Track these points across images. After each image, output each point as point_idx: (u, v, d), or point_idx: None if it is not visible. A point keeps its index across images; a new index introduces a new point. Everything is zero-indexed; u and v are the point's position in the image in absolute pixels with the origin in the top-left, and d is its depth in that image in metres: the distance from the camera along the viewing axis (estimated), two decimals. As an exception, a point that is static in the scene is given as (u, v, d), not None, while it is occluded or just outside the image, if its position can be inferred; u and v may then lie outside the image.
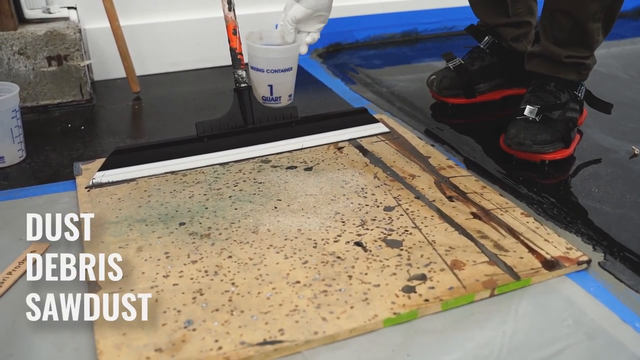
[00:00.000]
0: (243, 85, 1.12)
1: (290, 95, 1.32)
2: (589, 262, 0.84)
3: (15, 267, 0.84)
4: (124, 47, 1.44)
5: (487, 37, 1.37)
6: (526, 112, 1.11)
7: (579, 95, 1.16)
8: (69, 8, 1.45)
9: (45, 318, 0.72)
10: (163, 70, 1.66)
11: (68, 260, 0.85)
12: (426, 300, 0.76)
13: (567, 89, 1.14)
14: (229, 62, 1.14)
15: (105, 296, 0.76)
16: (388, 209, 0.96)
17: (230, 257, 0.84)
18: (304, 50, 1.23)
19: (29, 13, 1.38)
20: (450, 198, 0.99)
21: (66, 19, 1.41)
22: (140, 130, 1.35)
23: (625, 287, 0.80)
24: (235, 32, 1.11)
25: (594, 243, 0.89)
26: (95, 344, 0.69)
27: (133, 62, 1.48)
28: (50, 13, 1.39)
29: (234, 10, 1.11)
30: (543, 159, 1.09)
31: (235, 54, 1.11)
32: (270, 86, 1.27)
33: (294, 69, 1.29)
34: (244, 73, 1.12)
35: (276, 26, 1.30)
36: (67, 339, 0.71)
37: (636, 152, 1.15)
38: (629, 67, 1.65)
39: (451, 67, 1.36)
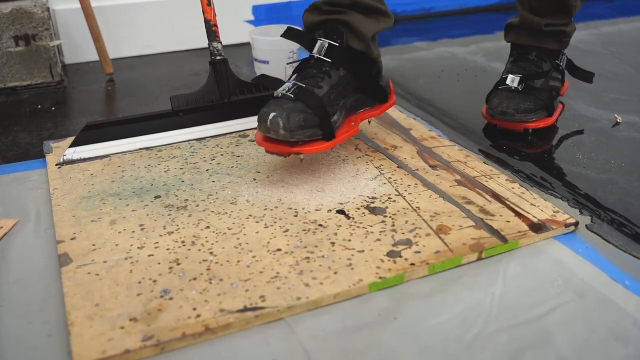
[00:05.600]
0: (218, 58, 1.08)
1: None
2: (576, 224, 0.82)
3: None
4: (96, 28, 1.40)
5: (320, 41, 0.94)
6: (508, 82, 1.09)
7: (561, 64, 1.15)
8: (36, -13, 1.41)
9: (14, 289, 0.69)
10: (137, 53, 1.62)
11: (38, 235, 0.82)
12: (412, 264, 0.74)
13: (549, 58, 1.13)
14: (205, 45, 1.11)
15: (77, 268, 0.73)
16: (370, 178, 0.94)
17: (207, 227, 0.81)
18: None
19: (-6, -9, 1.33)
20: (433, 167, 0.97)
21: (34, -3, 1.36)
22: (113, 111, 1.31)
23: (613, 248, 0.78)
24: (209, 3, 1.08)
25: (581, 207, 0.87)
26: (66, 315, 0.66)
27: (105, 44, 1.44)
28: (16, -9, 1.34)
29: (207, -20, 1.08)
30: (526, 128, 1.07)
31: (210, 25, 1.08)
32: None
33: None
34: (219, 45, 1.08)
35: None
36: (36, 312, 0.68)
37: (618, 120, 1.14)
38: (608, 43, 1.64)
39: (289, 94, 0.88)
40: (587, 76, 1.18)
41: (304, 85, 0.90)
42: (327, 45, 0.94)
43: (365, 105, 1.00)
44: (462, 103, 1.25)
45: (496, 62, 1.49)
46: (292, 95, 0.88)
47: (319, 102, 0.89)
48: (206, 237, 0.79)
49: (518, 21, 1.16)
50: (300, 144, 0.87)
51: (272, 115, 0.85)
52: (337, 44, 0.94)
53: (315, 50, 0.95)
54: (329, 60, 0.94)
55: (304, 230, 0.80)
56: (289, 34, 0.98)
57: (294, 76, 0.95)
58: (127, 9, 1.58)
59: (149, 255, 0.75)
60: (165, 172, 0.96)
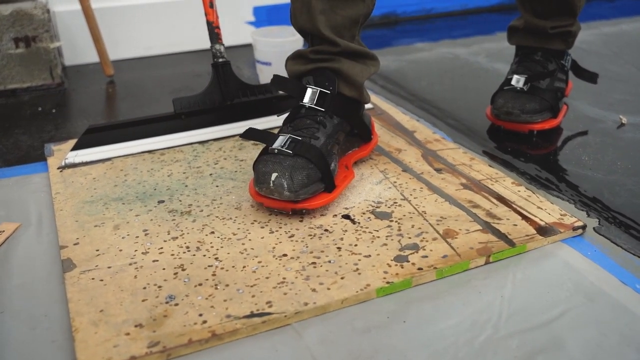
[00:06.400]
0: (221, 60, 1.07)
1: None
2: (584, 227, 0.81)
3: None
4: (96, 29, 1.39)
5: (311, 89, 0.89)
6: (513, 82, 1.08)
7: (566, 64, 1.14)
8: (36, -11, 1.40)
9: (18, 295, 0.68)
10: (137, 55, 1.61)
11: (40, 240, 0.81)
12: (420, 269, 0.73)
13: (554, 58, 1.12)
14: (206, 46, 1.10)
15: (81, 274, 0.72)
16: (375, 182, 0.93)
17: (212, 232, 0.80)
18: None
19: (-7, -7, 1.32)
20: (438, 170, 0.96)
21: (34, -1, 1.36)
22: (114, 112, 1.30)
23: (622, 251, 0.77)
24: (211, 5, 1.07)
25: (588, 209, 0.86)
26: (70, 321, 0.65)
27: (106, 46, 1.43)
28: (16, -7, 1.33)
29: (209, -18, 1.07)
30: (531, 129, 1.07)
31: (212, 27, 1.07)
32: None
33: None
34: (222, 48, 1.08)
35: None
36: (39, 317, 0.67)
37: (624, 122, 1.13)
38: (610, 44, 1.64)
39: (286, 150, 0.83)
40: (591, 77, 1.17)
41: (300, 139, 0.84)
42: (318, 92, 0.88)
43: (354, 146, 0.96)
44: (466, 104, 1.25)
45: (498, 62, 1.49)
46: (290, 151, 0.82)
47: (320, 155, 0.83)
48: (211, 243, 0.78)
49: (522, 25, 1.14)
50: (304, 200, 0.82)
51: (274, 176, 0.80)
52: (329, 92, 0.88)
53: (306, 99, 0.88)
54: (322, 110, 0.88)
55: (310, 235, 0.79)
56: (275, 83, 0.91)
57: (285, 127, 0.89)
58: (128, 11, 1.57)
59: (154, 261, 0.75)
60: (168, 176, 0.95)
